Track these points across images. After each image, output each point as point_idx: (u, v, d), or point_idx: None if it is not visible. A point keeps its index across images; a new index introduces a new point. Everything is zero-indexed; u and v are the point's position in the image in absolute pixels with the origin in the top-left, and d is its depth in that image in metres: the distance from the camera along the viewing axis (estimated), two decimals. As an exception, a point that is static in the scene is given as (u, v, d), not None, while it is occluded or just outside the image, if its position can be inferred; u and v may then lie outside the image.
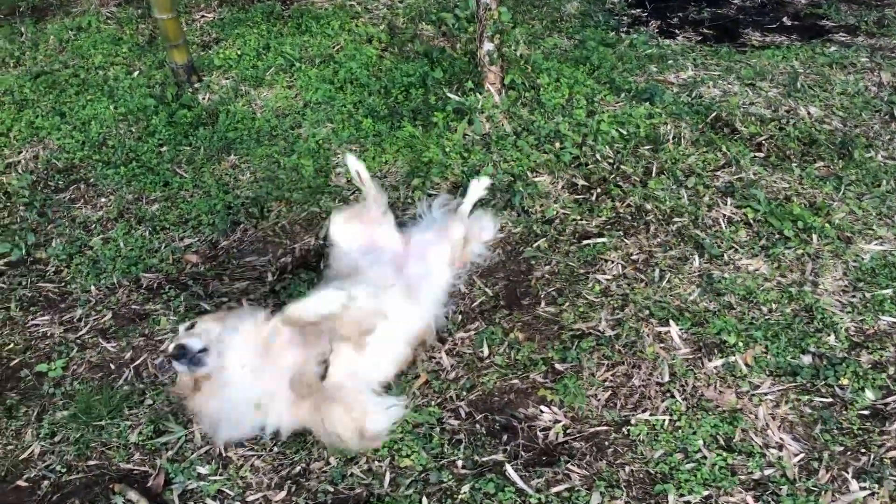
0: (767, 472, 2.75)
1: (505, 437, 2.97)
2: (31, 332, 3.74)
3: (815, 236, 3.80)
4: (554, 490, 2.75)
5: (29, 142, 5.40)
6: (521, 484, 2.77)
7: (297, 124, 5.25)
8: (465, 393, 3.18)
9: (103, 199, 4.82)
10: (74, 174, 5.06)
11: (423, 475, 2.86)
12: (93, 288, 4.02)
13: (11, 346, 3.65)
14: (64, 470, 2.98)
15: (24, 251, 4.34)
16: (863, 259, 3.68)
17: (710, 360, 3.19)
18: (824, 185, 4.17)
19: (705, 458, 2.82)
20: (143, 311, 3.77)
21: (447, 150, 4.62)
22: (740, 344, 3.24)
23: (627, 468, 2.81)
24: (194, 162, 5.01)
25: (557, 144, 4.54)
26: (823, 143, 4.57)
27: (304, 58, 6.05)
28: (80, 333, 3.69)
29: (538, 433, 2.98)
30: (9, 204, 4.84)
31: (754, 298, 3.48)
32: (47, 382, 3.41)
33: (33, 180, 5.01)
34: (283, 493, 2.85)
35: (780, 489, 2.68)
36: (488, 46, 4.77)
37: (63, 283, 4.11)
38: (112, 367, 3.46)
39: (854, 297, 3.48)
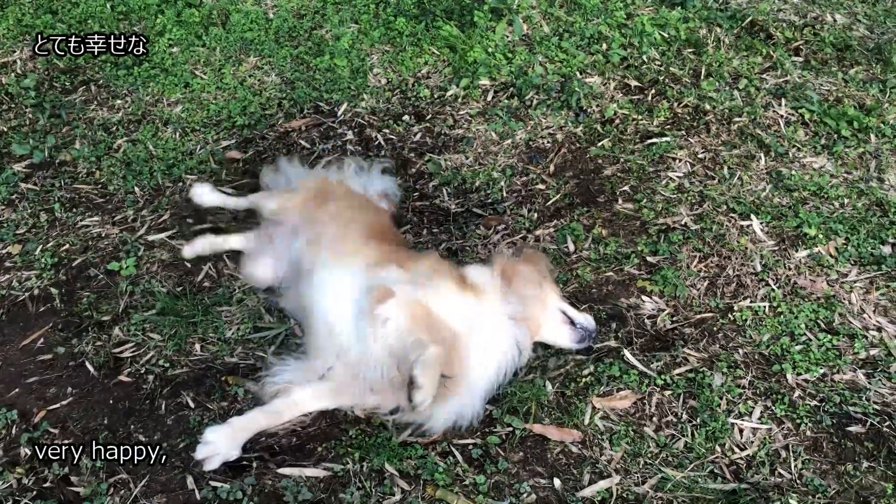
0: (873, 351, 2.86)
1: (614, 325, 2.99)
2: (84, 232, 3.53)
3: (872, 136, 3.88)
4: (676, 372, 2.79)
5: (21, 41, 5.01)
6: (641, 367, 2.81)
7: (317, 25, 5.02)
8: (561, 286, 3.16)
9: (119, 101, 4.53)
10: (81, 75, 4.74)
11: (537, 360, 2.86)
12: (136, 189, 3.81)
13: (68, 246, 3.44)
14: (167, 364, 2.85)
15: (45, 153, 4.07)
16: (920, 157, 3.79)
17: (796, 252, 3.26)
18: (870, 88, 4.24)
19: (810, 340, 2.90)
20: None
21: (490, 50, 4.49)
22: (821, 236, 3.31)
23: (741, 350, 2.88)
24: (211, 63, 4.75)
25: (604, 45, 4.47)
26: (857, 48, 4.62)
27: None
28: (140, 233, 3.51)
29: (646, 321, 3.00)
30: (13, 105, 4.51)
31: (825, 194, 3.55)
32: (122, 281, 3.24)
33: (37, 80, 4.66)
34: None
35: (890, 367, 2.79)
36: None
37: (100, 185, 3.88)
38: (188, 265, 3.31)
39: (918, 191, 3.60)
